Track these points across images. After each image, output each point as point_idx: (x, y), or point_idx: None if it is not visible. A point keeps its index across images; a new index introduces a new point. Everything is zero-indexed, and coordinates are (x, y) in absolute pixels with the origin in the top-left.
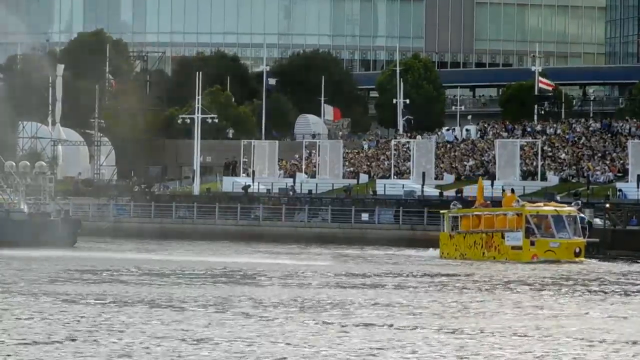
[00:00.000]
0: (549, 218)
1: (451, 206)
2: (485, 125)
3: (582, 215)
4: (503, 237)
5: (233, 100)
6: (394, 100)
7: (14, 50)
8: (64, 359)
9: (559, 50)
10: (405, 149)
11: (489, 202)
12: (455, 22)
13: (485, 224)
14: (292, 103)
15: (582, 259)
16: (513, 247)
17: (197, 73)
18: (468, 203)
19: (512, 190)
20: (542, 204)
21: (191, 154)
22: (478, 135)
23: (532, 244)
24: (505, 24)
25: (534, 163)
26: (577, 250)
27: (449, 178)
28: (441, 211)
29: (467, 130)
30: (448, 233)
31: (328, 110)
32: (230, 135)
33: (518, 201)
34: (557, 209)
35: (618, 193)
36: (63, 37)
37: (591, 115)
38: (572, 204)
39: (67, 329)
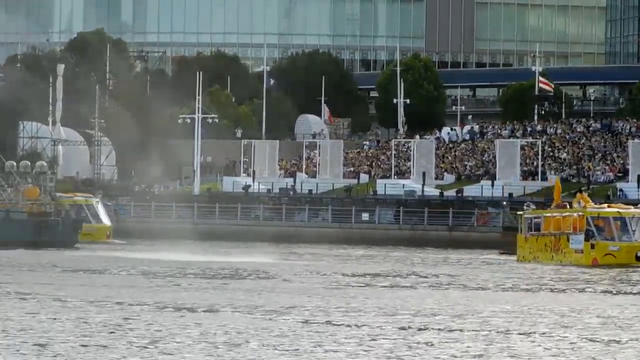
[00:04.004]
0: (611, 220)
1: (525, 207)
2: (485, 125)
3: None
4: (568, 240)
5: (233, 100)
6: (394, 100)
7: (15, 50)
8: None
9: (559, 50)
10: (405, 149)
11: (565, 202)
12: (455, 22)
13: (553, 226)
14: (292, 103)
15: None
16: (576, 251)
17: (198, 73)
18: (544, 204)
19: (580, 190)
20: (605, 205)
21: (191, 153)
22: (478, 136)
23: (592, 247)
24: (505, 24)
25: (535, 163)
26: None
27: (449, 178)
28: (518, 212)
29: (469, 129)
30: (524, 236)
31: (325, 112)
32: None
33: (580, 202)
34: (620, 210)
35: (618, 193)
36: (63, 37)
37: (591, 115)
38: (639, 205)
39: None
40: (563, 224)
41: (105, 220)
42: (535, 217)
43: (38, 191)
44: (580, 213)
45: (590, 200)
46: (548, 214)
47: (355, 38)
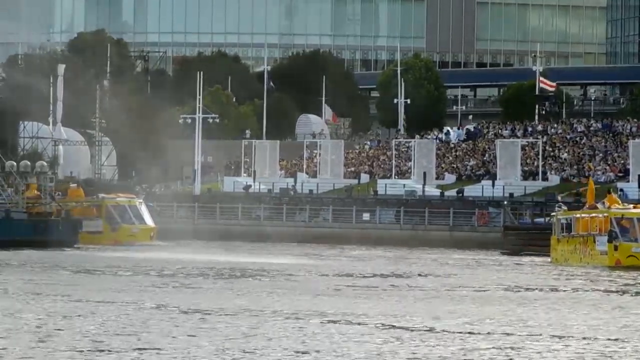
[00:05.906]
0: (635, 221)
1: (556, 208)
2: (486, 125)
3: None
4: (594, 241)
5: (234, 100)
6: (395, 100)
7: (15, 50)
8: None
9: (560, 50)
10: (406, 149)
11: (596, 204)
12: (456, 22)
13: (582, 227)
14: (293, 103)
15: None
16: (601, 252)
17: (198, 73)
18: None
19: (609, 191)
20: (631, 206)
21: (192, 153)
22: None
23: (616, 248)
24: (506, 24)
25: (535, 163)
26: None
27: (449, 178)
28: (551, 214)
29: (468, 129)
30: (557, 237)
31: (327, 112)
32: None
33: (604, 203)
34: None
35: (619, 193)
36: (64, 37)
37: (592, 115)
38: None
39: None
40: (591, 226)
41: (149, 221)
42: (567, 219)
43: (82, 192)
44: (605, 214)
45: (619, 201)
46: (578, 215)
47: (356, 38)
